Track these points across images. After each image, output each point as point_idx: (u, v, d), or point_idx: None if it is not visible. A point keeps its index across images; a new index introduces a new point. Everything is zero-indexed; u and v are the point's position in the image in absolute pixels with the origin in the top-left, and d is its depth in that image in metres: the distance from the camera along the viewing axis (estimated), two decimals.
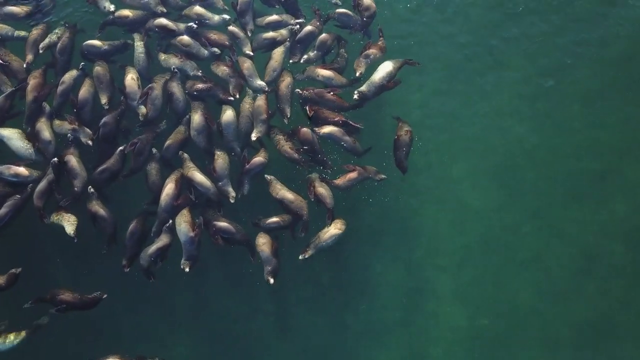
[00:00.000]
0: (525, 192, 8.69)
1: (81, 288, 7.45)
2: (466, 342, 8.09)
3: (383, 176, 8.26)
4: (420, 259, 8.42)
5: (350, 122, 8.15)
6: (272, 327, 8.14)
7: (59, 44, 8.25)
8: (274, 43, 8.62)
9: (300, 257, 7.56)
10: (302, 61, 8.50)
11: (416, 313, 8.20)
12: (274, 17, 8.85)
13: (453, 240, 8.49)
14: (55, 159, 7.57)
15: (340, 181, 8.05)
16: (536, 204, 8.63)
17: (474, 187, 8.72)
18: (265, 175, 7.90)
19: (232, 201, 7.68)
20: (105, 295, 7.31)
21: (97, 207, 7.57)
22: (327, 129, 8.06)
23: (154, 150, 7.92)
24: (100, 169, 7.74)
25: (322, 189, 7.87)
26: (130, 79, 8.04)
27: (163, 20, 8.44)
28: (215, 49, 8.36)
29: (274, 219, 7.73)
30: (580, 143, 8.91)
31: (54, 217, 7.46)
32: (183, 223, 7.34)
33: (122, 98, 8.11)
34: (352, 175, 8.06)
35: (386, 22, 9.21)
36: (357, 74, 8.31)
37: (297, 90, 8.32)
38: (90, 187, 7.59)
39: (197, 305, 8.19)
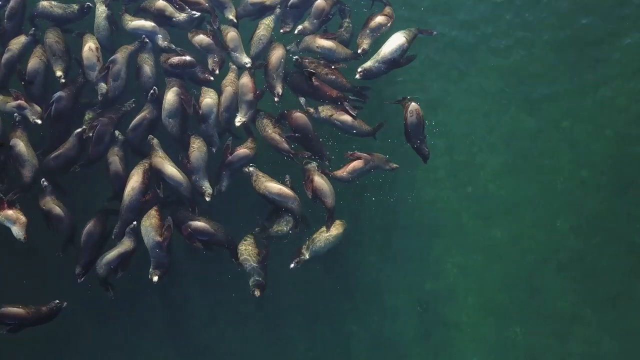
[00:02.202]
0: (562, 180, 8.02)
1: (34, 298, 6.83)
2: (494, 356, 7.68)
3: (395, 165, 7.52)
4: (439, 259, 7.91)
5: (350, 99, 7.44)
6: (265, 336, 7.72)
7: (9, 6, 7.42)
8: (264, 8, 7.74)
9: (291, 266, 6.92)
10: (296, 32, 7.67)
11: (435, 322, 7.76)
12: None
13: (478, 237, 7.92)
14: None
15: (342, 172, 7.26)
16: (575, 195, 7.95)
17: (502, 175, 8.08)
18: (245, 169, 7.15)
19: (207, 199, 6.93)
20: (65, 304, 6.74)
21: (52, 204, 6.90)
22: (323, 110, 7.33)
23: (118, 133, 7.16)
24: (53, 155, 7.05)
25: (321, 184, 7.06)
26: (88, 49, 7.23)
27: None
28: (193, 12, 7.54)
29: (283, 227, 7.07)
30: (626, 124, 8.09)
31: None
32: (150, 225, 6.67)
33: (80, 71, 7.40)
34: (357, 164, 7.27)
35: None
36: (360, 50, 7.47)
37: (296, 57, 7.52)
38: (43, 180, 6.94)
39: (177, 311, 7.73)
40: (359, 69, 7.24)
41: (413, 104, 7.31)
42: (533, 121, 8.18)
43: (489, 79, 8.33)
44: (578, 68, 8.28)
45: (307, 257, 6.91)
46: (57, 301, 6.69)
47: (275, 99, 7.28)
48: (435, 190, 8.03)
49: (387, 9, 7.79)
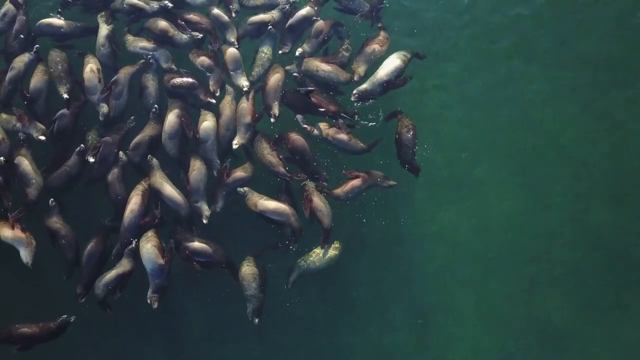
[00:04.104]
0: (559, 194, 7.97)
1: (40, 315, 6.73)
2: None
3: (393, 182, 7.44)
4: (438, 271, 7.85)
5: (344, 115, 7.29)
6: (265, 348, 7.63)
7: (14, 29, 7.35)
8: (263, 26, 7.61)
9: (286, 286, 7.15)
10: (297, 54, 7.56)
11: (433, 335, 7.70)
12: None
13: (476, 250, 7.87)
14: (2, 158, 6.74)
15: (340, 190, 7.22)
16: (572, 208, 7.92)
17: (499, 188, 8.04)
18: (238, 189, 7.05)
19: (205, 221, 6.83)
20: (73, 318, 6.63)
21: (59, 224, 6.83)
22: (319, 127, 7.26)
23: (121, 154, 7.05)
24: (55, 173, 6.99)
25: (320, 204, 7.00)
26: (90, 70, 7.17)
27: None
28: (196, 33, 7.43)
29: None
30: (624, 138, 8.08)
31: (4, 231, 6.61)
32: (150, 248, 6.51)
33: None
34: (356, 182, 7.23)
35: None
36: (356, 78, 7.36)
37: (295, 73, 7.47)
38: (52, 200, 6.86)
39: (177, 323, 7.63)
40: (355, 92, 7.19)
41: (408, 120, 7.29)
42: (531, 136, 8.13)
43: (488, 93, 8.27)
44: (576, 83, 8.21)
45: (296, 276, 7.07)
46: (65, 316, 6.61)
47: (272, 120, 7.19)
48: (434, 203, 7.97)
49: (382, 35, 7.67)
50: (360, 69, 7.37)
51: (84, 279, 6.68)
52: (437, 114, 8.17)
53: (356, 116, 7.36)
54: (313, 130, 7.19)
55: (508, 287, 7.70)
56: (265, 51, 7.50)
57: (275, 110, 7.16)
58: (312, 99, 7.16)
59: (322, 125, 7.26)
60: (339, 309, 7.68)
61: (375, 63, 7.51)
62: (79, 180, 7.06)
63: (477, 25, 8.47)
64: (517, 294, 7.67)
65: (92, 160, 6.82)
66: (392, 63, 7.28)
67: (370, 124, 7.49)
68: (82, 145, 7.01)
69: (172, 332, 7.60)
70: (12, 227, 6.60)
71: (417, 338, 7.64)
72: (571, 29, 8.38)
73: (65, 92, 7.07)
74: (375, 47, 7.50)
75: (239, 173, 7.08)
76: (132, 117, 7.33)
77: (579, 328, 7.54)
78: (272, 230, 7.26)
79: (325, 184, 7.26)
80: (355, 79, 7.33)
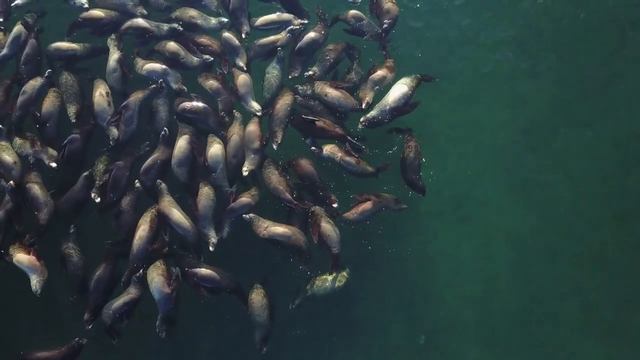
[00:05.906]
0: (562, 212, 7.89)
1: (51, 338, 6.76)
2: None
3: (404, 205, 7.39)
4: (440, 291, 7.79)
5: (351, 139, 7.18)
6: None
7: (24, 53, 7.32)
8: (274, 49, 7.57)
9: (290, 306, 7.14)
10: (305, 76, 7.47)
11: (436, 354, 7.63)
12: (271, 16, 7.74)
13: (479, 269, 7.80)
14: (12, 182, 6.69)
15: (351, 214, 7.11)
16: (576, 227, 7.85)
17: (502, 207, 7.96)
18: (244, 215, 6.85)
19: (211, 248, 6.69)
20: (85, 341, 6.58)
21: (73, 251, 6.79)
22: (327, 149, 7.17)
23: (137, 184, 6.92)
24: (64, 197, 6.95)
25: (328, 229, 6.83)
26: (99, 95, 7.08)
27: (140, 21, 7.45)
28: (207, 56, 7.38)
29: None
30: (628, 156, 8.02)
31: (15, 252, 6.55)
32: (157, 276, 6.42)
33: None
34: (366, 206, 7.14)
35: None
36: (364, 105, 7.16)
37: (298, 96, 7.43)
38: (72, 225, 6.88)
39: (177, 344, 7.41)
40: (362, 119, 7.07)
41: (413, 141, 7.28)
42: (533, 154, 8.07)
43: (491, 111, 8.22)
44: (579, 101, 8.18)
45: (301, 300, 7.06)
46: (77, 338, 6.55)
47: (274, 147, 7.07)
48: (436, 222, 7.91)
49: (389, 62, 7.51)
50: (368, 97, 7.19)
51: (91, 304, 6.58)
52: (439, 133, 8.12)
53: (355, 138, 7.23)
54: (321, 152, 7.12)
55: (510, 306, 7.62)
56: (275, 74, 7.42)
57: (279, 138, 7.04)
58: (318, 122, 7.09)
59: (331, 147, 7.17)
60: (341, 328, 7.62)
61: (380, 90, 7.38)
62: (85, 205, 6.96)
63: (479, 46, 8.47)
64: (520, 312, 7.59)
65: (97, 200, 6.73)
66: (400, 89, 7.14)
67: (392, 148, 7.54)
68: (90, 170, 6.95)
69: (171, 354, 7.50)
70: (28, 253, 6.51)
71: (420, 357, 7.59)
72: (573, 47, 8.36)
73: (74, 113, 7.03)
74: (382, 73, 7.33)
75: (243, 199, 6.94)
76: (147, 143, 7.24)
77: (581, 348, 7.46)
78: (277, 253, 7.17)
79: (335, 205, 7.09)
80: (363, 106, 7.17)
